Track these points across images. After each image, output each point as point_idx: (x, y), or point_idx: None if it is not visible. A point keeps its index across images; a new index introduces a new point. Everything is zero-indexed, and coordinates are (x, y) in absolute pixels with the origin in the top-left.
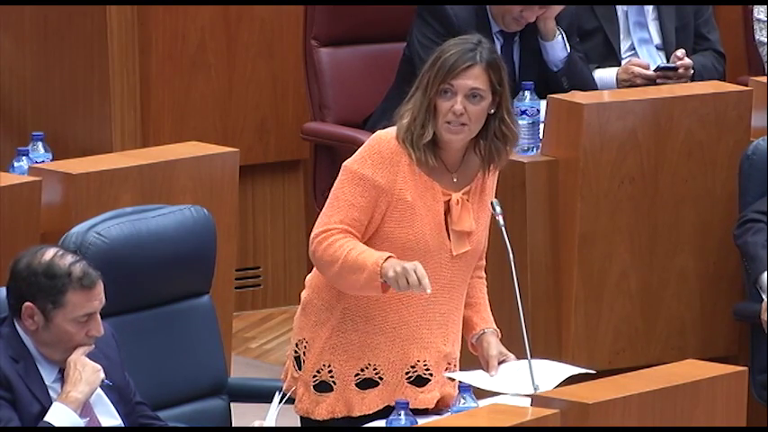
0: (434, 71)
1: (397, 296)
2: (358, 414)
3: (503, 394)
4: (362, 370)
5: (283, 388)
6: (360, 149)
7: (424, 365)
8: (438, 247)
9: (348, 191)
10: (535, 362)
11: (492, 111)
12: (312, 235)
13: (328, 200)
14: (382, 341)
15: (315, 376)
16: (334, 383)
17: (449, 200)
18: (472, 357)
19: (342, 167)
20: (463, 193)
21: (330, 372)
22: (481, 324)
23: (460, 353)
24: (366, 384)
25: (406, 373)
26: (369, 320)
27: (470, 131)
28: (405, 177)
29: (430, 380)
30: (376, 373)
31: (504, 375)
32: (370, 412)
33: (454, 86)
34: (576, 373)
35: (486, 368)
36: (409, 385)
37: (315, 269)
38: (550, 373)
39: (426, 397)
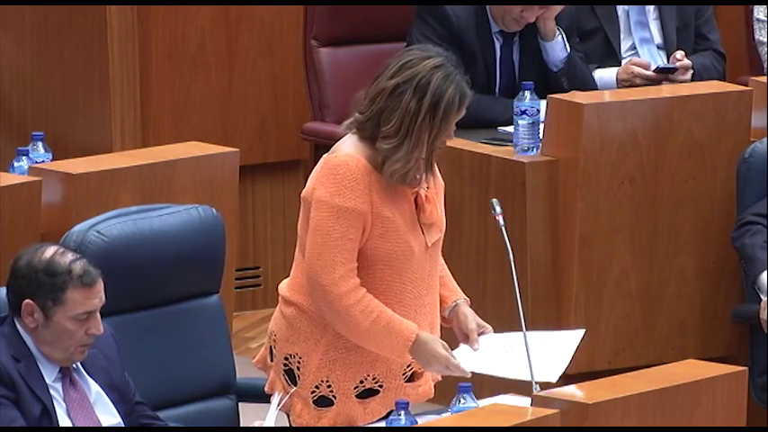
0: (439, 118)
1: (389, 304)
2: (362, 424)
3: (508, 379)
4: (361, 381)
5: (266, 388)
6: (326, 179)
7: None
8: (418, 245)
9: (339, 226)
10: (530, 336)
11: None
12: (325, 280)
13: (317, 236)
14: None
15: (314, 392)
16: (335, 398)
17: (416, 197)
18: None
19: (316, 201)
20: (426, 185)
21: (329, 386)
22: (451, 296)
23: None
24: (366, 394)
25: (403, 374)
26: None
27: None
28: (379, 194)
29: (424, 372)
30: (375, 382)
31: (501, 356)
32: (374, 420)
33: (453, 123)
34: (575, 342)
35: (467, 342)
36: (408, 384)
37: (292, 279)
38: (552, 357)
39: (425, 389)
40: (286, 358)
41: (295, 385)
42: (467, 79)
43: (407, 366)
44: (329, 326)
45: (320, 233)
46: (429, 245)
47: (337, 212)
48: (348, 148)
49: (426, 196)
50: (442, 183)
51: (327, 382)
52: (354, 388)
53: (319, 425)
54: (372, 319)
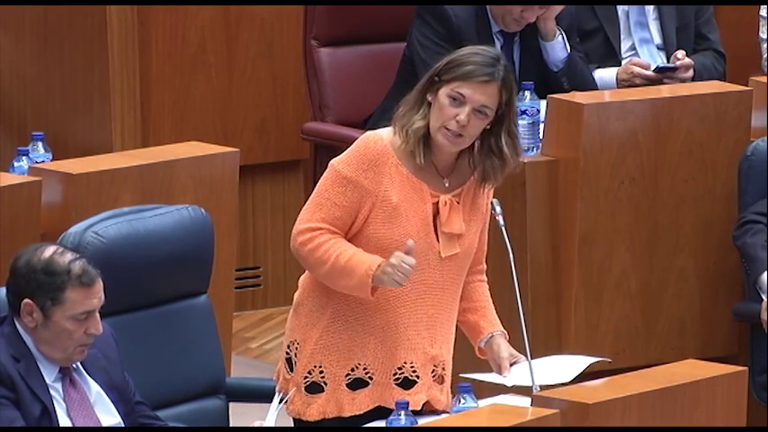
0: (448, 67)
1: (384, 297)
2: (349, 414)
3: (519, 385)
4: (353, 370)
5: (276, 389)
6: (348, 149)
7: (411, 367)
8: (425, 248)
9: (332, 190)
10: (551, 359)
11: (488, 126)
12: (295, 231)
13: (312, 195)
14: (371, 341)
15: (306, 378)
16: (325, 384)
17: (437, 201)
18: (470, 361)
19: (329, 165)
20: (453, 196)
21: (321, 372)
22: (488, 328)
23: (457, 356)
24: (356, 384)
25: (394, 375)
26: (358, 321)
27: (464, 143)
28: (391, 178)
29: (417, 382)
30: (366, 373)
31: (519, 374)
32: (361, 412)
33: (466, 97)
34: (592, 362)
35: (498, 371)
36: (397, 387)
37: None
38: (564, 368)
39: (413, 399)
40: (288, 346)
41: (293, 372)
42: (504, 71)
43: (399, 369)
44: (326, 311)
45: (317, 191)
46: (443, 256)
47: (337, 178)
48: (384, 130)
49: (448, 203)
50: (486, 217)
51: (320, 367)
52: (346, 376)
53: (308, 411)
54: (331, 262)
